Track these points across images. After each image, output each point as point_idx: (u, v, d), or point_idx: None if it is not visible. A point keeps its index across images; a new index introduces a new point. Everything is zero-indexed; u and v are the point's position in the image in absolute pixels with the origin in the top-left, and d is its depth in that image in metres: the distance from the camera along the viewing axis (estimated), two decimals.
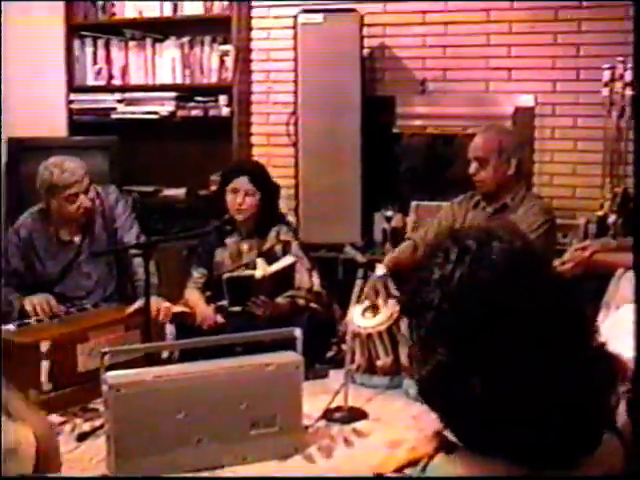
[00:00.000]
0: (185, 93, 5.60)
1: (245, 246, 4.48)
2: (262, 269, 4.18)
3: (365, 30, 5.10)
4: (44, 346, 3.58)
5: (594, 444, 1.19)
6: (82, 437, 3.35)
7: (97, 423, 3.39)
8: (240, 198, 4.38)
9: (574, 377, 1.15)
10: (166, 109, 5.56)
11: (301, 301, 4.33)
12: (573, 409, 1.15)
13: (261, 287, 4.15)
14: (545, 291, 1.17)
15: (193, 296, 4.41)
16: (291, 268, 4.28)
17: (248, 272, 4.22)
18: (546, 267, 1.24)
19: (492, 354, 1.14)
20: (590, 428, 1.18)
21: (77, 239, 4.28)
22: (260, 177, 4.48)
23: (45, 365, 3.57)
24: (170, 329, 4.17)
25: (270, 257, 4.35)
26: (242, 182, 4.40)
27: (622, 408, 1.34)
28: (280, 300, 4.27)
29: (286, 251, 4.42)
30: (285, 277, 4.26)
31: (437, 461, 1.25)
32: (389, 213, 5.19)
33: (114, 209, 4.33)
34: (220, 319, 4.24)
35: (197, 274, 4.51)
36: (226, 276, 4.18)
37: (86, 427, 3.44)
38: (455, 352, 1.16)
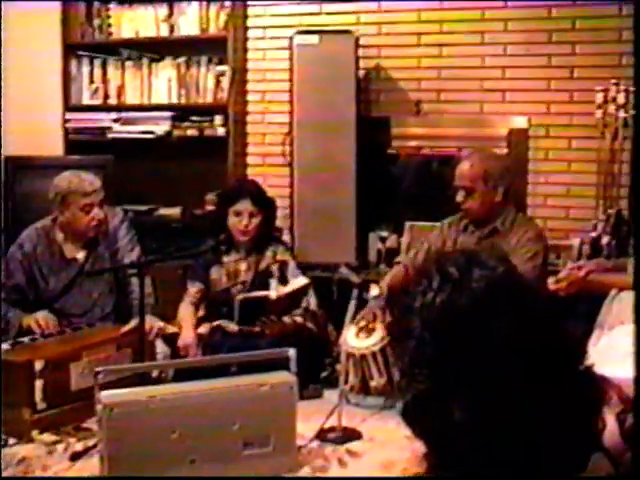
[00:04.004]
0: (181, 113, 5.62)
1: (243, 265, 4.50)
2: (276, 290, 4.20)
3: (360, 51, 5.12)
4: (38, 365, 3.57)
5: (582, 466, 1.19)
6: (75, 456, 3.33)
7: (90, 442, 3.38)
8: (245, 220, 4.41)
9: (558, 402, 1.15)
10: (162, 129, 5.58)
11: (298, 319, 4.34)
12: (559, 433, 1.15)
13: (272, 307, 4.19)
14: (528, 317, 1.17)
15: (184, 314, 4.39)
16: (304, 289, 4.33)
17: (263, 293, 4.25)
18: (531, 292, 1.24)
19: (473, 382, 1.13)
20: (577, 450, 1.18)
21: (81, 257, 4.29)
22: (261, 198, 4.51)
23: (39, 384, 3.57)
24: (162, 348, 4.17)
25: (267, 276, 4.38)
26: (245, 205, 4.42)
27: (613, 428, 1.34)
28: (286, 319, 4.29)
29: (283, 271, 4.44)
30: (297, 298, 4.30)
31: None
32: (384, 233, 5.20)
33: (118, 230, 4.36)
34: (197, 351, 4.20)
35: (194, 288, 4.50)
36: (240, 297, 4.20)
37: (79, 446, 3.42)
38: (436, 380, 1.15)
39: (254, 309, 4.21)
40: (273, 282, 4.28)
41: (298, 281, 4.35)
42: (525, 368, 1.14)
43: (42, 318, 4.03)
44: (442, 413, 1.15)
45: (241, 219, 4.42)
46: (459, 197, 4.17)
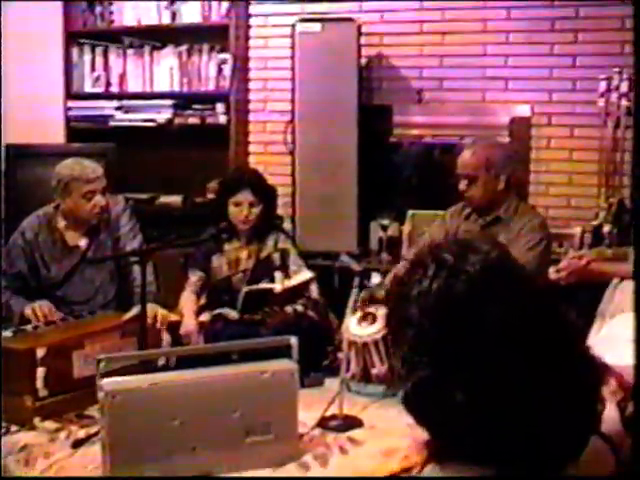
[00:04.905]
0: (183, 101, 5.61)
1: (244, 253, 4.50)
2: (281, 283, 4.21)
3: (362, 39, 5.11)
4: (40, 352, 3.58)
5: (580, 449, 1.19)
6: (77, 444, 3.34)
7: (92, 430, 3.39)
8: (246, 210, 4.41)
9: (557, 385, 1.15)
10: (163, 117, 5.57)
11: (300, 308, 4.35)
12: (558, 416, 1.15)
13: (275, 299, 4.20)
14: (523, 300, 1.18)
15: (186, 302, 4.40)
16: (307, 282, 4.34)
17: (268, 286, 4.27)
18: (525, 275, 1.24)
19: (473, 367, 1.14)
20: (576, 434, 1.19)
21: (83, 244, 4.30)
22: (261, 187, 4.50)
23: (41, 371, 3.57)
24: (164, 336, 4.17)
25: (268, 265, 4.38)
26: (245, 195, 4.42)
27: (614, 415, 1.35)
28: (287, 308, 4.30)
29: (284, 259, 4.44)
30: (300, 290, 4.32)
31: (428, 470, 1.25)
32: (385, 222, 5.20)
33: (120, 218, 4.36)
34: (198, 339, 4.21)
35: (194, 277, 4.51)
36: (246, 289, 4.21)
37: (81, 434, 3.43)
38: (437, 367, 1.16)
39: (257, 300, 4.23)
40: (278, 275, 4.28)
41: (303, 275, 4.37)
42: (523, 351, 1.14)
43: (39, 307, 4.03)
44: (443, 398, 1.15)
45: (241, 209, 4.42)
46: (461, 185, 4.17)
